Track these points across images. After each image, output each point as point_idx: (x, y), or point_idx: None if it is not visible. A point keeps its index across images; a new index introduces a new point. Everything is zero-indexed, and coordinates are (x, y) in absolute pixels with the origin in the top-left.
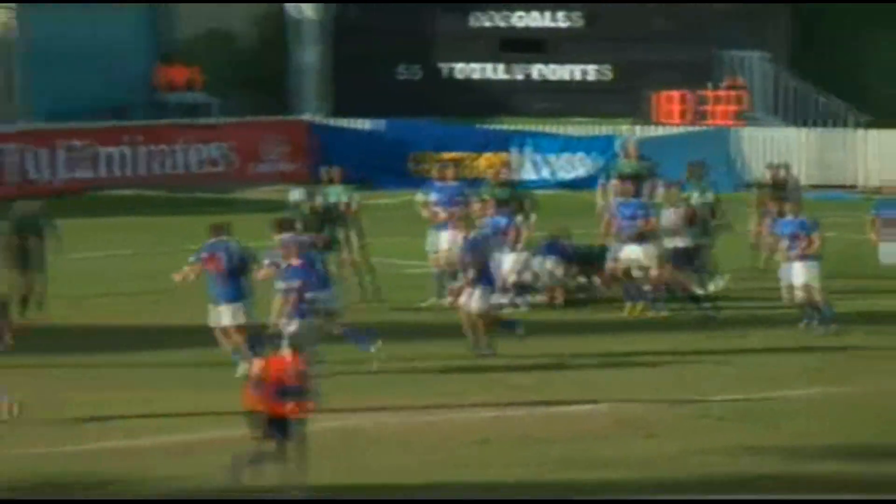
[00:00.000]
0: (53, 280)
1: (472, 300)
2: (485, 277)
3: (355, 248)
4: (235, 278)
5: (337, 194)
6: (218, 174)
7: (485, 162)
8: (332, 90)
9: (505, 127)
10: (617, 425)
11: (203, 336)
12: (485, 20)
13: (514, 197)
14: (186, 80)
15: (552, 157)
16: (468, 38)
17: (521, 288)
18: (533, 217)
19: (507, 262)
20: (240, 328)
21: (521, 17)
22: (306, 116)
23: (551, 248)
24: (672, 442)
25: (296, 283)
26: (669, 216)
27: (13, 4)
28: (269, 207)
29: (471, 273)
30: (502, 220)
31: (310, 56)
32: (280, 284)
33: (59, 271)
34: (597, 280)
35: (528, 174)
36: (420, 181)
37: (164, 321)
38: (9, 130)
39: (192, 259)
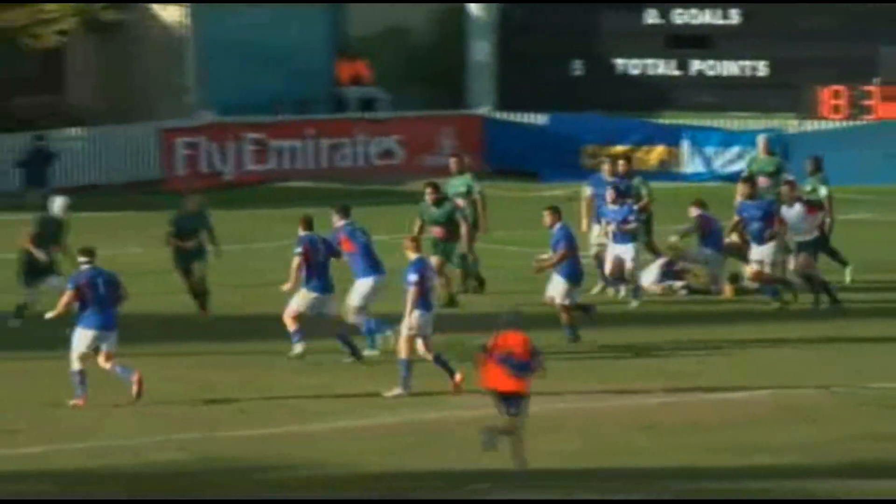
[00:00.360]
0: (238, 270)
1: (552, 289)
2: (570, 267)
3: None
4: (327, 269)
5: (463, 184)
6: (392, 167)
7: (651, 155)
8: (499, 85)
9: (669, 121)
10: (779, 411)
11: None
12: (650, 17)
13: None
14: (363, 75)
15: (714, 151)
16: (634, 34)
17: (670, 276)
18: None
19: (628, 251)
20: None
21: (681, 13)
22: (479, 111)
23: (708, 239)
24: (834, 428)
25: (415, 277)
26: (790, 212)
27: (188, 3)
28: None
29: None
30: (622, 211)
31: (481, 52)
32: (411, 277)
33: (241, 261)
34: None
35: (692, 167)
36: (589, 175)
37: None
38: (193, 124)
39: (298, 250)
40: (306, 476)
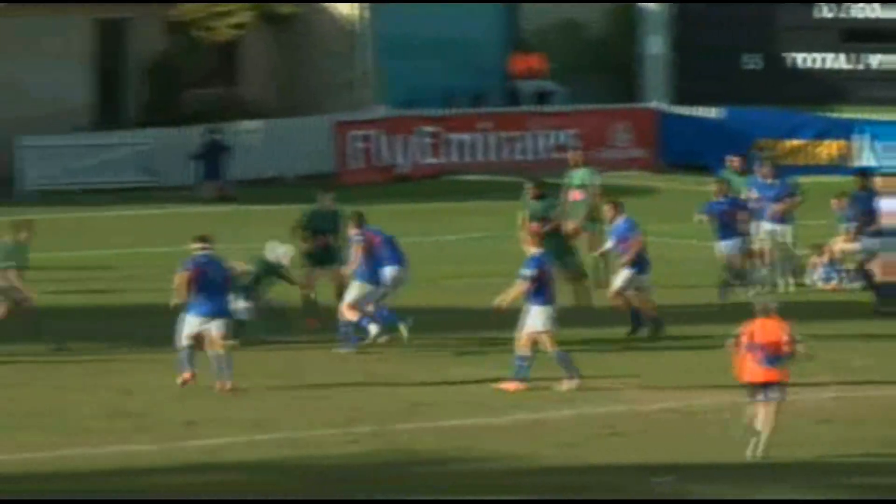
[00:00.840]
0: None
1: (618, 279)
2: (639, 261)
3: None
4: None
5: (580, 178)
6: (566, 161)
7: (824, 150)
8: (675, 79)
9: (845, 115)
10: None
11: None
12: (824, 11)
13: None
14: (538, 68)
15: (888, 145)
16: (808, 28)
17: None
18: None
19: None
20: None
21: (855, 7)
22: (653, 104)
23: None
24: None
25: (528, 272)
26: None
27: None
28: (617, 193)
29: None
30: (725, 205)
31: (655, 46)
32: (525, 271)
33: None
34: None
35: (865, 161)
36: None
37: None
38: (368, 117)
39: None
40: (482, 469)
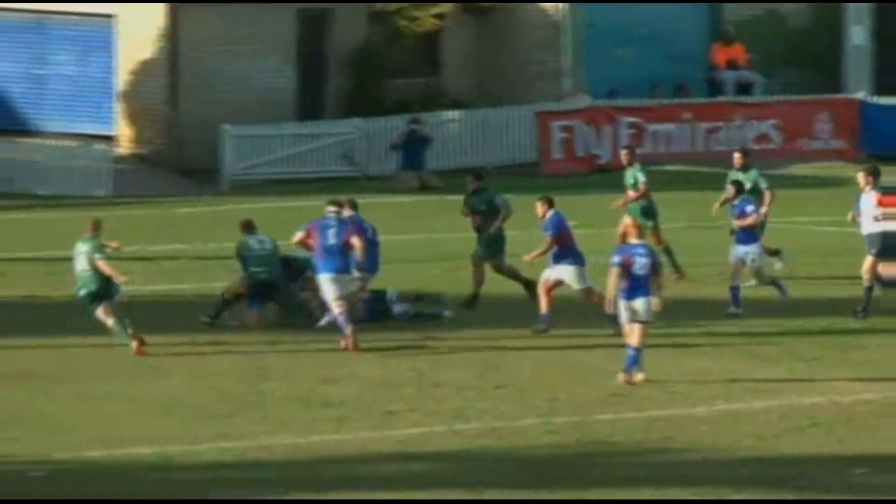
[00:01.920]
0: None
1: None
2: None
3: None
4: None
5: (631, 176)
6: (768, 151)
7: None
8: (877, 70)
9: None
10: None
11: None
12: None
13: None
14: (740, 58)
15: None
16: None
17: None
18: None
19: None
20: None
21: None
22: (856, 95)
23: None
24: None
25: (617, 259)
26: None
27: None
28: (817, 184)
29: None
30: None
31: (858, 36)
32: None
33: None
34: None
35: None
36: None
37: (700, 293)
38: (570, 107)
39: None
40: (679, 460)
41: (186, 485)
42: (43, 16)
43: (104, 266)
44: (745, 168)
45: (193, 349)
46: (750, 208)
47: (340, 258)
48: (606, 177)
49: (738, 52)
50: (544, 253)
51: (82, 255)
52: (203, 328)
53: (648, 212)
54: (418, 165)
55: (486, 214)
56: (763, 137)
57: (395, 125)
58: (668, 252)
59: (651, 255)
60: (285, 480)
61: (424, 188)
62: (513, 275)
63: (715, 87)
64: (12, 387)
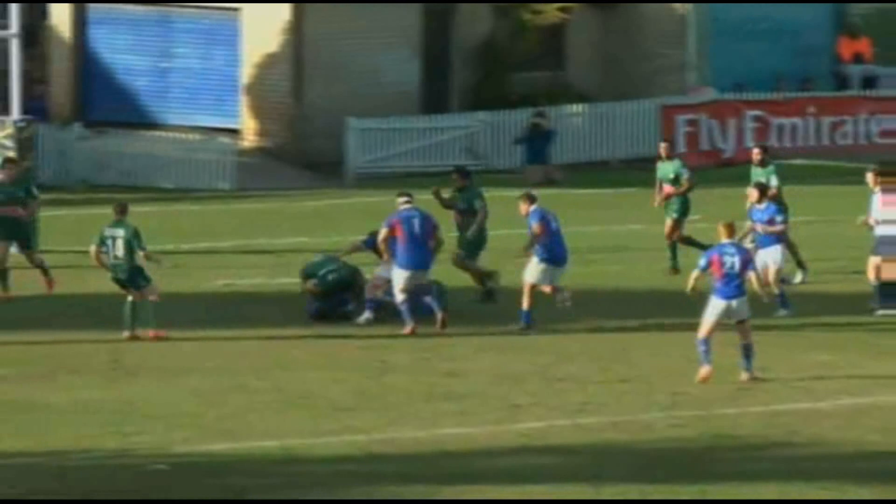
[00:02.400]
0: None
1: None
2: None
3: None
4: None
5: (672, 170)
6: (894, 146)
7: None
8: None
9: None
10: None
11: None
12: None
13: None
14: (866, 52)
15: None
16: None
17: None
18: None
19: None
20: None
21: None
22: None
23: None
24: None
25: (702, 262)
26: None
27: None
28: None
29: None
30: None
31: None
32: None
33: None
34: None
35: None
36: None
37: (823, 288)
38: (694, 101)
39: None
40: (803, 454)
41: (310, 478)
42: (168, 9)
43: (145, 257)
44: (763, 164)
45: (317, 343)
46: (780, 217)
47: (423, 251)
48: (731, 171)
49: (864, 45)
50: (531, 246)
51: (119, 241)
52: (326, 322)
53: (684, 208)
54: (543, 159)
55: (466, 213)
56: (889, 132)
57: (520, 119)
58: (674, 248)
59: (740, 252)
60: (408, 474)
61: (549, 182)
62: (477, 274)
63: (840, 81)
64: (138, 380)
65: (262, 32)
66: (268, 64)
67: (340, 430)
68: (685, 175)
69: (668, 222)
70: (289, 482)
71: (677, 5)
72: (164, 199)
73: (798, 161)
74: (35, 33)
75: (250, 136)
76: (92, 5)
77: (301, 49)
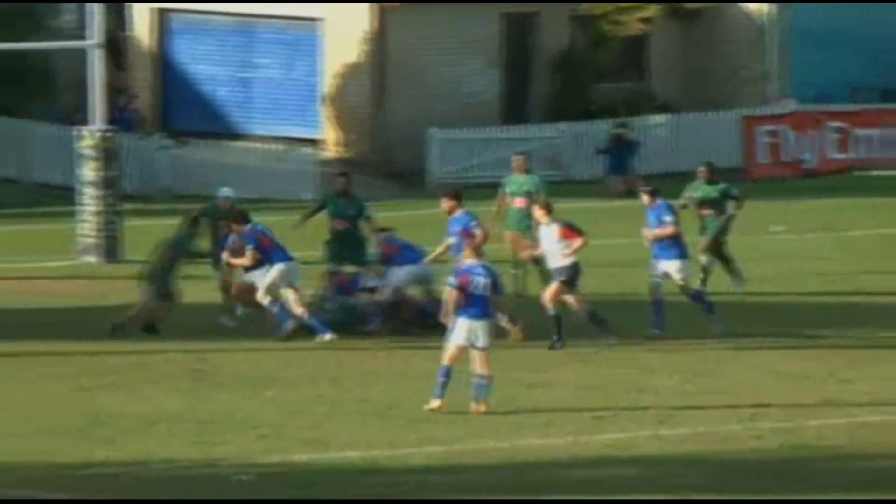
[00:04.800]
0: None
1: None
2: None
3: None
4: None
5: (705, 191)
6: None
7: None
8: None
9: None
10: None
11: None
12: None
13: None
14: None
15: None
16: None
17: None
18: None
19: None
20: None
21: None
22: None
23: None
24: None
25: None
26: None
27: None
28: None
29: None
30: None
31: None
32: None
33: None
34: None
35: None
36: None
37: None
38: (776, 112)
39: None
40: (887, 466)
41: (393, 489)
42: (250, 19)
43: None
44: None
45: (395, 354)
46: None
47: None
48: (812, 181)
49: None
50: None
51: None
52: (407, 331)
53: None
54: (625, 170)
55: (355, 220)
56: None
57: (601, 129)
58: (724, 260)
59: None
60: (490, 485)
61: (630, 193)
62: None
63: None
64: (221, 390)
65: (344, 43)
66: (349, 74)
67: (422, 440)
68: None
69: (707, 240)
70: (371, 493)
71: (757, 16)
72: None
73: (879, 172)
74: (117, 43)
75: (332, 146)
76: (174, 15)
77: (382, 59)
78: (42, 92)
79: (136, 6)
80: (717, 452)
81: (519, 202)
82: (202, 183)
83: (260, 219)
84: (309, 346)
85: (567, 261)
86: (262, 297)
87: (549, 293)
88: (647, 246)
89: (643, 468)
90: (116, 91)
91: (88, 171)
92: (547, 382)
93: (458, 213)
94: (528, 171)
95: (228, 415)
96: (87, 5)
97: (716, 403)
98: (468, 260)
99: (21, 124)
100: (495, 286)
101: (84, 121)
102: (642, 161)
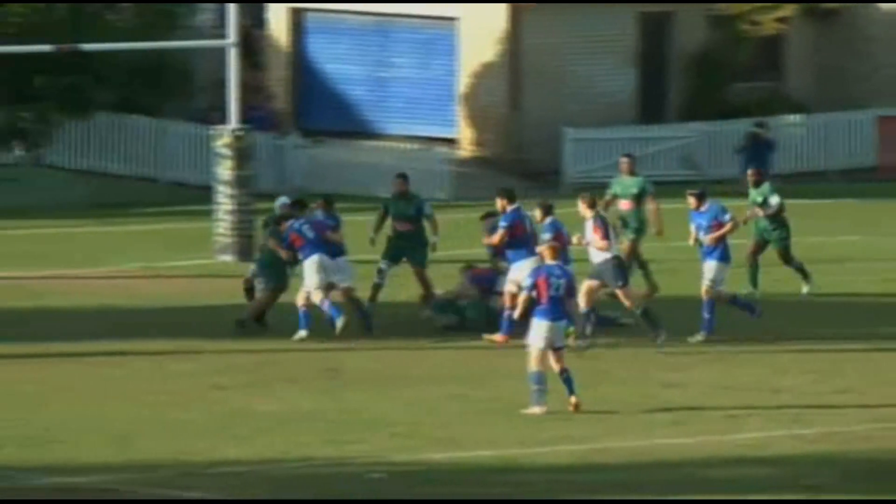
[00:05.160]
0: None
1: None
2: None
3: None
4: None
5: (756, 196)
6: None
7: None
8: None
9: None
10: None
11: None
12: None
13: None
14: None
15: None
16: None
17: None
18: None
19: None
20: None
21: None
22: None
23: None
24: None
25: None
26: None
27: None
28: None
29: None
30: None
31: None
32: None
33: None
34: None
35: None
36: None
37: None
38: None
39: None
40: None
41: (527, 488)
42: (386, 19)
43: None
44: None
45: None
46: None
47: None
48: None
49: None
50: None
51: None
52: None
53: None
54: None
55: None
56: None
57: (737, 129)
58: (798, 268)
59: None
60: (626, 483)
61: None
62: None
63: None
64: (354, 389)
65: (480, 42)
66: (485, 73)
67: (557, 439)
68: (772, 200)
69: (757, 243)
70: (506, 491)
71: (892, 15)
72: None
73: None
74: (252, 43)
75: (467, 145)
76: (310, 14)
77: (518, 59)
78: (179, 91)
79: (273, 6)
80: (851, 452)
81: (624, 204)
82: (336, 182)
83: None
84: (439, 346)
85: (605, 255)
86: (316, 298)
87: (584, 290)
88: (697, 247)
89: (776, 468)
90: (252, 90)
91: (224, 170)
92: (682, 382)
93: (548, 219)
94: (633, 173)
95: (361, 413)
96: (225, 5)
97: (849, 403)
98: (547, 261)
99: (158, 123)
100: (570, 288)
101: (220, 120)
102: (778, 160)
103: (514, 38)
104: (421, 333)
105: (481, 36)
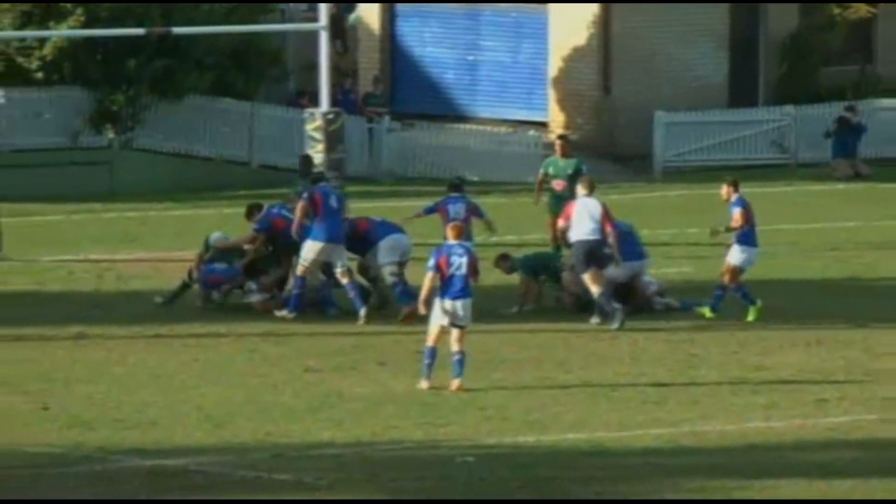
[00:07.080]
0: None
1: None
2: None
3: None
4: None
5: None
6: None
7: None
8: None
9: None
10: None
11: None
12: None
13: None
14: None
15: None
16: None
17: None
18: None
19: None
20: None
21: None
22: None
23: None
24: None
25: None
26: None
27: None
28: None
29: None
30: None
31: None
32: None
33: None
34: None
35: None
36: None
37: None
38: None
39: None
40: None
41: (618, 471)
42: (476, 3)
43: None
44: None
45: (621, 336)
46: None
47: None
48: None
49: None
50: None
51: None
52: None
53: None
54: (851, 153)
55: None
56: None
57: (828, 113)
58: None
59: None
60: (716, 467)
61: (856, 176)
62: None
63: None
64: (447, 371)
65: (570, 26)
66: (575, 57)
67: (648, 422)
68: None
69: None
70: (595, 475)
71: None
72: (472, 192)
73: None
74: (343, 27)
75: (558, 128)
76: None
77: (609, 42)
78: (271, 74)
79: None
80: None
81: (559, 185)
82: (426, 165)
83: (485, 201)
84: (537, 329)
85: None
86: (342, 277)
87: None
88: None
89: (869, 451)
90: (342, 73)
91: (315, 153)
92: (773, 365)
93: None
94: (568, 155)
95: (453, 396)
96: None
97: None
98: (450, 240)
99: (250, 106)
100: (471, 266)
101: (311, 103)
102: (870, 144)
103: (605, 21)
104: (510, 318)
105: (572, 19)
